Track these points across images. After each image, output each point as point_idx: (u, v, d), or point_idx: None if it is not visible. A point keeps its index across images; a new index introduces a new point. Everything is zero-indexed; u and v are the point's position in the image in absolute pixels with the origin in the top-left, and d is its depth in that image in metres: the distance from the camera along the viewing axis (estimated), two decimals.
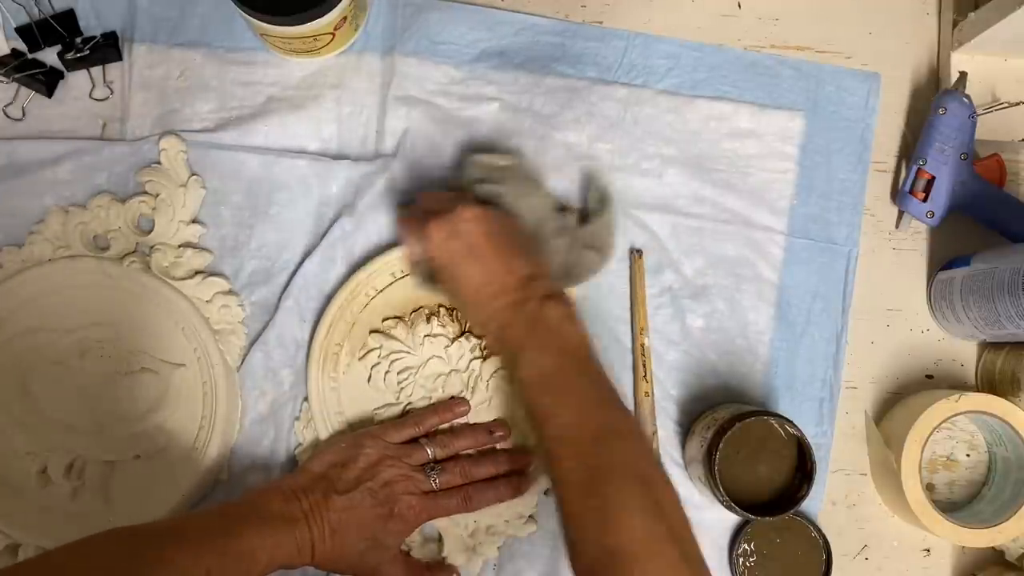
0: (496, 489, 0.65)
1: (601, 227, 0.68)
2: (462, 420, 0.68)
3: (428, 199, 0.65)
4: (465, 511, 0.65)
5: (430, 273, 0.63)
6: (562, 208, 0.68)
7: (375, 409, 0.68)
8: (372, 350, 0.68)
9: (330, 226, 0.69)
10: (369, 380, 0.68)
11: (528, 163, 0.70)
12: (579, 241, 0.67)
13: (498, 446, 0.68)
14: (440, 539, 0.68)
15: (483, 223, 0.60)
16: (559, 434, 0.55)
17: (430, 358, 0.68)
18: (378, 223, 0.70)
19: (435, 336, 0.68)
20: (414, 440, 0.66)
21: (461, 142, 0.71)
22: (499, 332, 0.59)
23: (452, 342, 0.68)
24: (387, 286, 0.69)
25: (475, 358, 0.68)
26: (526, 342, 0.58)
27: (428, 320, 0.68)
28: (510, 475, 0.66)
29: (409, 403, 0.68)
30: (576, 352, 0.58)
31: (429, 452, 0.65)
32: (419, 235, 0.61)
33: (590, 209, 0.69)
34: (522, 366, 0.57)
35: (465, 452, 0.67)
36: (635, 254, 0.71)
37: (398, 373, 0.68)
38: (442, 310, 0.69)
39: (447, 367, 0.68)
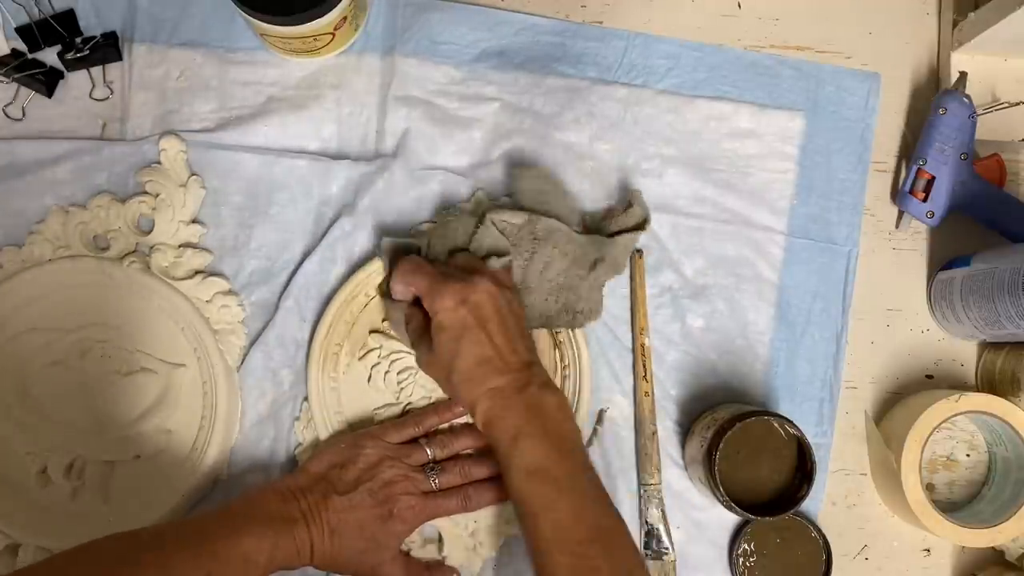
0: (496, 489, 0.65)
1: (622, 249, 0.67)
2: (462, 420, 0.68)
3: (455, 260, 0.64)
4: (465, 511, 0.65)
5: (401, 316, 0.64)
6: (584, 231, 0.69)
7: (375, 409, 0.68)
8: (372, 350, 0.68)
9: (330, 226, 0.69)
10: (369, 380, 0.68)
11: (549, 199, 0.69)
12: (597, 283, 0.68)
13: None
14: (440, 539, 0.68)
15: (497, 299, 0.60)
16: (553, 529, 0.55)
17: None
18: (378, 223, 0.70)
19: None
20: (414, 440, 0.66)
21: (475, 185, 0.71)
22: (493, 412, 0.59)
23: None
24: None
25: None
26: (525, 428, 0.58)
27: None
28: None
29: (409, 403, 0.68)
30: (573, 446, 0.59)
31: (429, 452, 0.65)
32: (428, 289, 0.61)
33: (617, 224, 0.69)
34: (519, 453, 0.57)
35: (465, 452, 0.67)
36: (635, 254, 0.71)
37: (398, 373, 0.68)
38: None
39: None
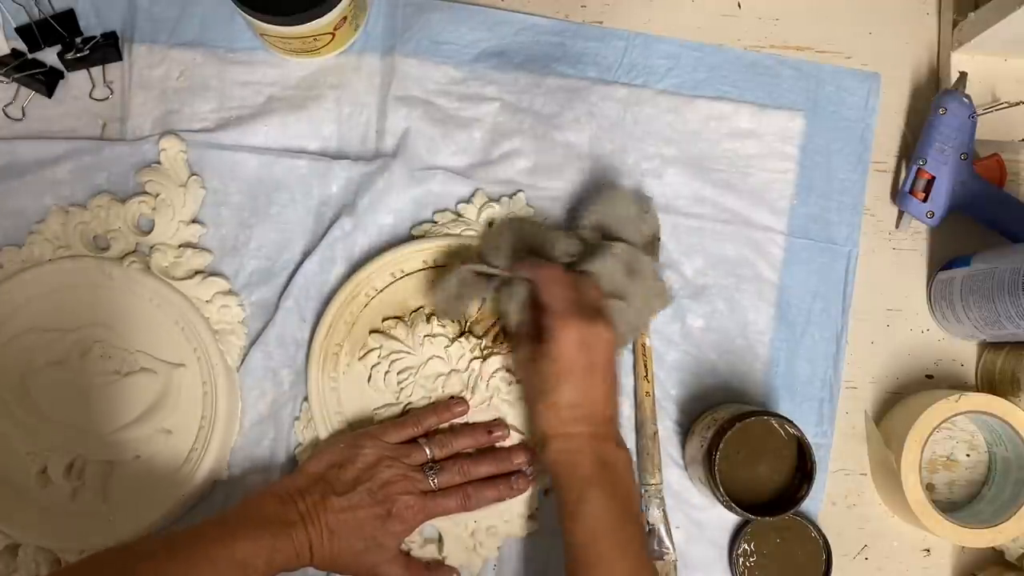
0: (496, 488, 0.65)
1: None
2: (461, 420, 0.68)
3: (586, 284, 0.63)
4: (464, 511, 0.65)
5: (512, 298, 0.63)
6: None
7: (375, 409, 0.68)
8: (372, 350, 0.68)
9: (330, 226, 0.69)
10: (369, 380, 0.68)
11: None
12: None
13: (497, 445, 0.68)
14: (440, 539, 0.68)
15: (612, 350, 0.61)
16: None
17: (430, 358, 0.68)
18: (378, 223, 0.70)
19: (435, 336, 0.68)
20: (413, 440, 0.66)
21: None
22: (567, 455, 0.59)
23: (452, 342, 0.68)
24: (387, 286, 0.69)
25: (475, 358, 0.68)
26: (597, 479, 0.58)
27: (428, 320, 0.68)
28: (510, 474, 0.66)
29: (409, 403, 0.68)
30: (635, 506, 0.60)
31: (428, 452, 0.65)
32: (558, 310, 0.60)
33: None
34: (589, 503, 0.58)
35: (465, 452, 0.67)
36: None
37: (398, 373, 0.68)
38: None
39: (447, 367, 0.68)
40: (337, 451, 0.63)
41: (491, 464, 0.66)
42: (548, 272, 0.62)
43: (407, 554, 0.66)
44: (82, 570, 0.54)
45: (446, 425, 0.67)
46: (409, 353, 0.68)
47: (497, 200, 0.71)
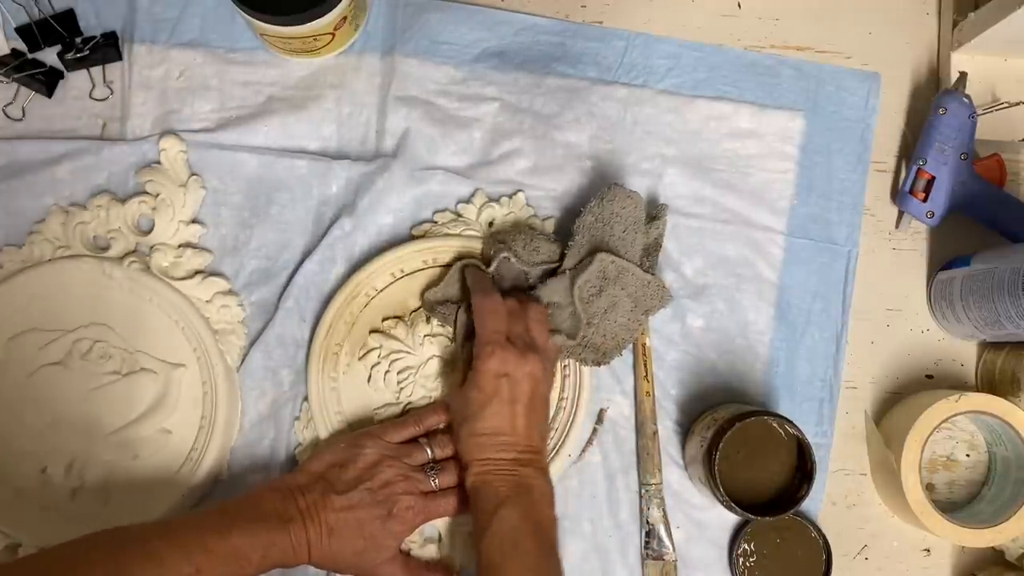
0: None
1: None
2: None
3: (511, 312, 0.63)
4: (465, 512, 0.65)
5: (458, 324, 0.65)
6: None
7: (375, 409, 0.68)
8: (372, 350, 0.68)
9: (330, 226, 0.69)
10: (369, 380, 0.68)
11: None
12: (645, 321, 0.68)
13: None
14: (440, 539, 0.68)
15: (538, 385, 0.62)
16: None
17: (430, 358, 0.68)
18: (378, 223, 0.70)
19: (435, 336, 0.68)
20: (414, 440, 0.66)
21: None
22: (485, 478, 0.60)
23: (452, 342, 0.68)
24: (387, 286, 0.69)
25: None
26: (508, 498, 0.59)
27: (428, 320, 0.68)
28: None
29: (409, 403, 0.68)
30: (548, 531, 0.60)
31: (429, 452, 0.65)
32: (484, 339, 0.61)
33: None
34: (499, 520, 0.58)
35: None
36: None
37: (398, 373, 0.68)
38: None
39: (447, 367, 0.68)
40: (338, 450, 0.63)
41: None
42: (484, 302, 0.63)
43: (407, 554, 0.66)
44: (78, 547, 0.54)
45: (446, 425, 0.67)
46: (409, 353, 0.68)
47: (497, 200, 0.71)
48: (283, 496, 0.60)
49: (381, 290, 0.69)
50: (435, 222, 0.70)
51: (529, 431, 0.61)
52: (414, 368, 0.68)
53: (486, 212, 0.70)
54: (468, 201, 0.71)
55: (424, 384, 0.68)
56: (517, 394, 0.61)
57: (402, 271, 0.69)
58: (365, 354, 0.68)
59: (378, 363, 0.68)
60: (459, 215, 0.70)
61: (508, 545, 0.57)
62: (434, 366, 0.68)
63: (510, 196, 0.71)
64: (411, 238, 0.70)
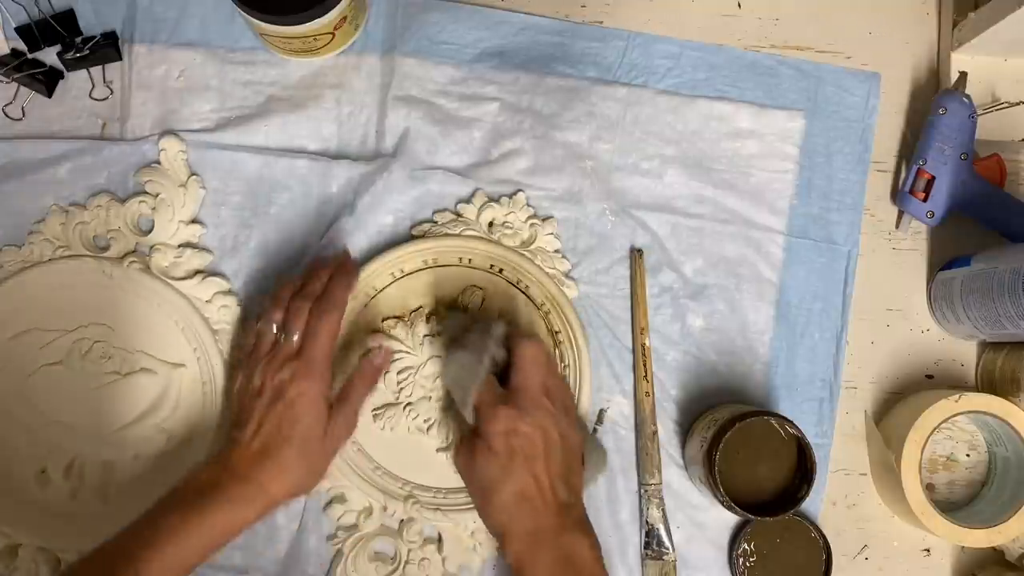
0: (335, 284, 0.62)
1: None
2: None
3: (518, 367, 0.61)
4: (326, 321, 0.60)
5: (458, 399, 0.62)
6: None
7: (374, 409, 0.68)
8: (372, 350, 0.68)
9: (330, 226, 0.69)
10: None
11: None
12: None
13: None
14: (440, 539, 0.68)
15: (549, 434, 0.58)
16: None
17: (430, 358, 0.68)
18: (378, 223, 0.70)
19: (435, 336, 0.68)
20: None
21: None
22: (526, 556, 0.56)
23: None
24: (387, 286, 0.69)
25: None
26: None
27: (428, 320, 0.68)
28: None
29: (408, 403, 0.68)
30: None
31: (273, 328, 0.61)
32: (485, 404, 0.59)
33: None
34: None
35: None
36: (636, 254, 0.71)
37: (397, 373, 0.68)
38: (442, 310, 0.69)
39: None
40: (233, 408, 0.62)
41: (317, 282, 0.62)
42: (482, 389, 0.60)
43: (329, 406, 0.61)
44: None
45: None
46: (409, 353, 0.68)
47: (497, 200, 0.71)
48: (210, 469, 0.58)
49: (381, 290, 0.69)
50: (435, 222, 0.70)
51: (554, 485, 0.58)
52: (414, 368, 0.68)
53: (486, 212, 0.70)
54: (468, 201, 0.71)
55: (424, 384, 0.68)
56: (532, 451, 0.58)
57: (402, 271, 0.69)
58: (365, 354, 0.68)
59: None
60: (459, 215, 0.70)
61: None
62: (434, 366, 0.68)
63: (510, 196, 0.71)
64: (411, 238, 0.70)
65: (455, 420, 0.67)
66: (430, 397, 0.68)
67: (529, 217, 0.71)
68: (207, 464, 0.59)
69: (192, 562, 0.56)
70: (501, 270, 0.69)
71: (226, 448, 0.60)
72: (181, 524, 0.55)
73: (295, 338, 0.60)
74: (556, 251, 0.71)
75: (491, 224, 0.71)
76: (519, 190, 0.71)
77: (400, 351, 0.68)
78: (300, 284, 0.63)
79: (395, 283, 0.69)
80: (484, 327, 0.63)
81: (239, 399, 0.61)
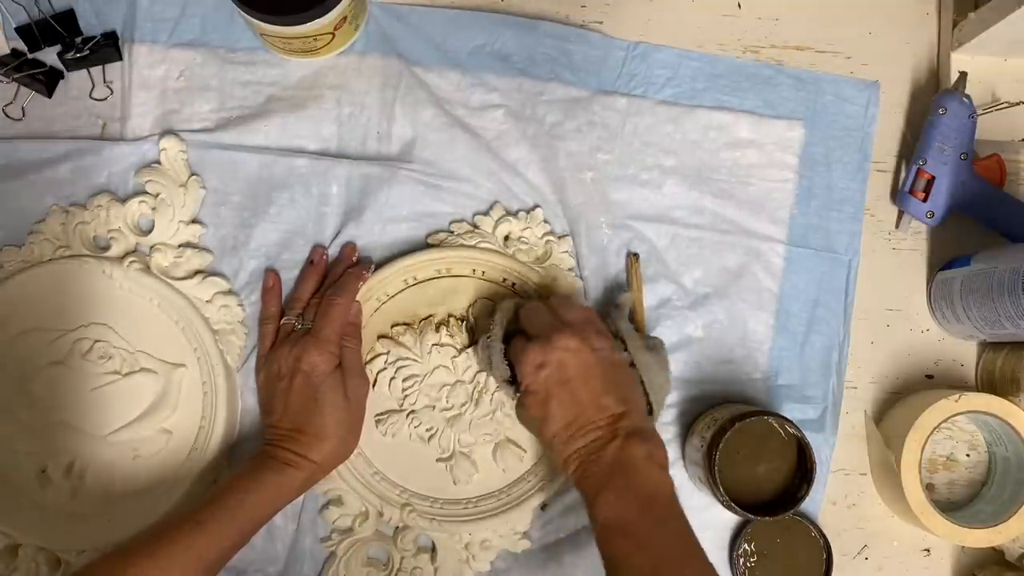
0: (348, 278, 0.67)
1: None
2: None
3: (528, 316, 0.63)
4: (335, 304, 0.65)
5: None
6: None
7: (377, 415, 0.68)
8: (379, 355, 0.68)
9: (337, 234, 0.69)
10: (374, 385, 0.68)
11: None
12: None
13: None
14: (434, 548, 0.68)
15: (580, 354, 0.59)
16: None
17: (436, 367, 0.68)
18: (390, 231, 0.70)
19: (443, 346, 0.68)
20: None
21: None
22: (581, 471, 0.58)
23: (459, 353, 0.68)
24: (398, 292, 0.69)
25: (481, 371, 0.68)
26: (606, 483, 0.57)
27: (437, 329, 0.68)
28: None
29: (412, 410, 0.68)
30: (657, 497, 0.57)
31: (292, 319, 0.67)
32: (517, 354, 0.61)
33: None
34: (599, 509, 0.56)
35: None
36: (632, 257, 0.70)
37: (403, 380, 0.68)
38: (452, 320, 0.69)
39: (453, 377, 0.68)
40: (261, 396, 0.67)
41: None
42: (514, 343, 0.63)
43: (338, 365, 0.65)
44: None
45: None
46: (416, 361, 0.68)
47: (514, 214, 0.70)
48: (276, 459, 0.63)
49: (392, 296, 0.69)
50: (451, 232, 0.70)
51: (598, 403, 0.59)
52: (419, 377, 0.68)
53: (503, 226, 0.70)
54: (486, 214, 0.70)
55: (428, 393, 0.68)
56: (564, 375, 0.59)
57: (415, 279, 0.69)
58: (372, 358, 0.68)
59: (384, 368, 0.68)
60: (476, 227, 0.70)
61: (616, 533, 0.56)
62: (439, 376, 0.68)
63: (528, 211, 0.71)
64: (427, 246, 0.70)
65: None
66: (434, 406, 0.68)
67: (545, 233, 0.70)
68: (249, 457, 0.64)
69: (249, 518, 0.60)
70: (513, 284, 0.69)
71: (264, 436, 0.65)
72: (235, 484, 0.61)
73: (308, 323, 0.66)
74: (570, 269, 0.70)
75: (507, 238, 0.70)
76: (537, 205, 0.71)
77: (407, 358, 0.68)
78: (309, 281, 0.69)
79: (406, 290, 0.69)
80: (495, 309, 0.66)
81: (264, 387, 0.66)
